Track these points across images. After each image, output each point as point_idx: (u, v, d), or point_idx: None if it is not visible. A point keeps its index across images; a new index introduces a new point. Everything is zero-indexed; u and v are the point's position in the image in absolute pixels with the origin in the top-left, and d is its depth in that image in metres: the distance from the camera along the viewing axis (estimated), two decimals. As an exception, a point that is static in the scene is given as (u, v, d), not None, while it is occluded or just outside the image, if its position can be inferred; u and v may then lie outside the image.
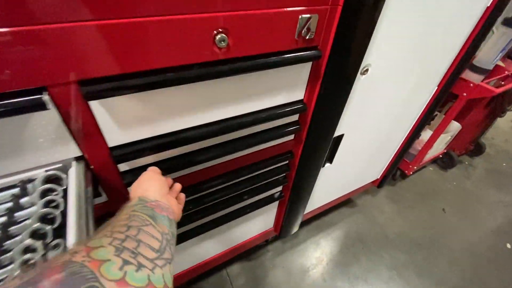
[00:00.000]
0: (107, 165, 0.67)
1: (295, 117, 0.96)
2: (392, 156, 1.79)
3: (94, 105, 0.57)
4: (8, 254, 0.48)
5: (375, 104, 1.17)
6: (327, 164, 1.34)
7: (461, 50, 1.23)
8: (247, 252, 1.70)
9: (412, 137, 1.66)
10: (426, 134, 2.10)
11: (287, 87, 0.84)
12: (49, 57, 0.46)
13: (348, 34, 0.77)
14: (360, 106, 1.11)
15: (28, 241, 0.49)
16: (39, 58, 0.46)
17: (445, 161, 2.58)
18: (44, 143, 0.57)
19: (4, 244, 0.50)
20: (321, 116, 0.96)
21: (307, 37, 0.71)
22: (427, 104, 1.46)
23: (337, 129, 1.12)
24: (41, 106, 0.49)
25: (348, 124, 1.16)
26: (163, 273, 0.36)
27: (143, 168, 0.70)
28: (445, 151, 2.48)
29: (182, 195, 0.65)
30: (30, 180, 0.59)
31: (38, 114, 0.52)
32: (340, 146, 1.27)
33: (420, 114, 1.52)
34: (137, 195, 0.51)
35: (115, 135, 0.64)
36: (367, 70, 0.97)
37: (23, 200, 0.56)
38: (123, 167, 0.71)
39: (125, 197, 0.57)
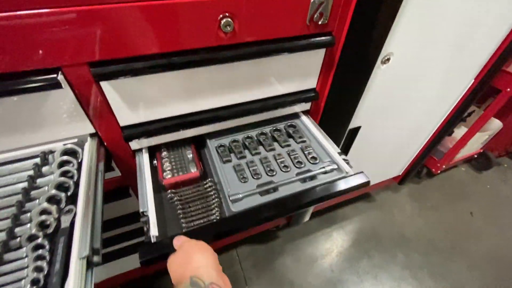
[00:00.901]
0: (118, 142, 0.72)
1: (306, 106, 0.93)
2: (417, 153, 1.69)
3: (105, 86, 0.60)
4: (27, 214, 0.55)
5: (398, 96, 1.10)
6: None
7: (506, 38, 1.09)
8: (257, 236, 1.75)
9: (441, 133, 1.54)
10: (459, 131, 1.93)
11: (298, 74, 0.81)
12: (65, 39, 0.50)
13: (366, 19, 0.72)
14: (381, 97, 1.05)
15: (45, 205, 0.56)
16: (58, 40, 0.49)
17: (481, 162, 2.37)
18: (62, 119, 0.62)
19: (25, 205, 0.57)
20: (335, 106, 0.92)
21: (320, 23, 0.68)
22: (461, 98, 1.34)
23: (353, 120, 1.08)
24: (56, 85, 0.53)
25: (366, 116, 1.11)
26: None
27: (155, 147, 0.75)
28: (482, 151, 2.27)
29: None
30: (50, 152, 0.65)
31: (54, 93, 0.56)
32: (356, 139, 1.22)
33: (452, 108, 1.39)
34: (187, 273, 0.40)
35: (126, 115, 0.68)
36: (388, 59, 0.90)
37: (44, 169, 0.63)
38: (134, 145, 0.76)
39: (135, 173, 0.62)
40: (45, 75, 0.53)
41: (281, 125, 0.91)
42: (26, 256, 0.50)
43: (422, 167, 2.21)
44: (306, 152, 0.81)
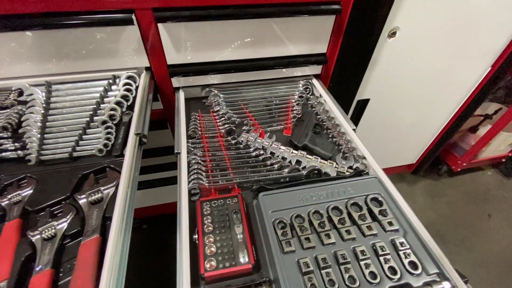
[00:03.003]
0: (164, 77, 0.95)
1: (317, 70, 1.09)
2: (432, 140, 1.73)
3: (161, 28, 0.83)
4: (102, 110, 0.80)
5: (405, 73, 1.20)
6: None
7: (522, 26, 1.13)
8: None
9: (457, 121, 1.58)
10: (484, 129, 1.92)
11: (311, 38, 0.98)
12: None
13: (371, -8, 0.86)
14: (388, 72, 1.16)
15: (113, 105, 0.80)
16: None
17: (509, 167, 2.28)
18: (129, 52, 0.87)
19: (100, 106, 0.82)
20: (343, 72, 1.07)
21: (329, -9, 0.84)
22: (477, 87, 1.38)
23: (362, 92, 1.21)
24: (130, 22, 0.77)
25: (375, 89, 1.22)
26: None
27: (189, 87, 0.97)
28: (511, 154, 2.20)
29: None
30: (118, 77, 0.90)
31: (127, 29, 0.80)
32: (366, 113, 1.34)
33: (467, 98, 1.44)
34: None
35: (172, 55, 0.90)
36: (394, 33, 1.02)
37: (113, 87, 0.88)
38: (175, 82, 0.99)
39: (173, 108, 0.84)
40: (123, 14, 0.77)
41: (359, 197, 0.69)
42: (101, 132, 0.75)
43: (442, 163, 2.21)
44: (401, 252, 0.59)
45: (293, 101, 1.02)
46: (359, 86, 1.15)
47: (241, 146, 0.85)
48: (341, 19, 0.93)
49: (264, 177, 0.75)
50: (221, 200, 0.68)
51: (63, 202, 0.59)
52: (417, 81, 1.26)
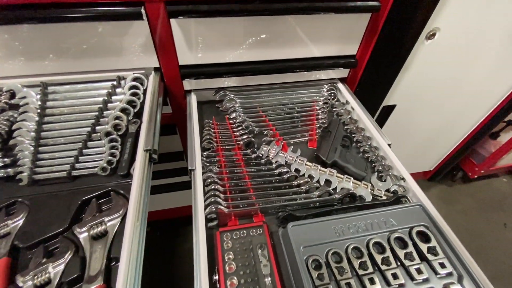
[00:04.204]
0: (175, 79, 0.84)
1: (344, 73, 0.98)
2: (453, 148, 1.63)
3: (174, 24, 0.72)
4: (105, 119, 0.70)
5: (439, 78, 1.09)
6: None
7: None
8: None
9: (482, 130, 1.48)
10: (505, 136, 1.81)
11: (341, 38, 0.87)
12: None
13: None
14: (421, 76, 1.06)
15: (119, 113, 0.70)
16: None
17: (527, 174, 2.19)
18: (136, 50, 0.75)
19: (103, 113, 0.71)
20: (372, 77, 0.96)
21: (369, -14, 0.72)
22: (509, 95, 1.27)
23: (389, 97, 1.10)
24: (138, 16, 0.66)
25: (403, 95, 1.12)
26: None
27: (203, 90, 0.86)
28: (530, 162, 2.10)
29: None
30: (123, 78, 0.79)
31: (135, 24, 0.69)
32: (390, 119, 1.24)
33: (498, 104, 1.33)
34: None
35: (185, 55, 0.79)
36: (433, 34, 0.91)
37: (118, 90, 0.77)
38: (186, 85, 0.88)
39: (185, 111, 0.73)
40: (131, 7, 0.65)
41: (403, 230, 0.59)
42: (104, 145, 0.64)
43: (457, 169, 2.11)
44: None
45: (318, 108, 0.92)
46: (388, 91, 1.05)
47: (262, 161, 0.75)
48: (378, 17, 0.81)
49: (291, 201, 0.66)
50: (244, 231, 0.58)
51: (60, 236, 0.49)
52: (448, 87, 1.16)
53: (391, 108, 1.18)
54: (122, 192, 0.56)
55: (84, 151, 0.64)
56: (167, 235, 1.65)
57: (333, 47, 0.89)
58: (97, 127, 0.68)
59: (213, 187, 0.65)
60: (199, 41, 0.77)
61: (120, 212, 0.52)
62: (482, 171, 1.99)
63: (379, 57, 0.91)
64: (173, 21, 0.71)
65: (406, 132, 1.39)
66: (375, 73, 0.96)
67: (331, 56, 0.91)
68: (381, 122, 1.24)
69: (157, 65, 0.81)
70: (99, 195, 0.56)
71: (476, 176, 2.05)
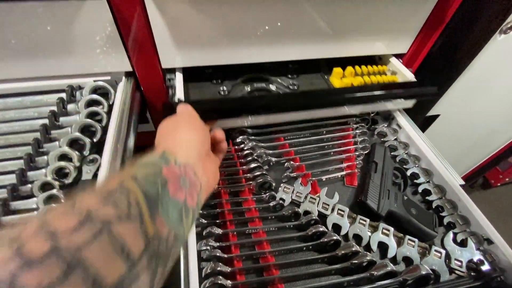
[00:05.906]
0: (158, 88, 0.59)
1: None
2: (484, 159, 1.43)
3: (151, 7, 0.46)
4: (44, 157, 0.44)
5: (502, 82, 0.86)
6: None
7: None
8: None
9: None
10: (539, 142, 1.62)
11: (390, 31, 0.62)
12: None
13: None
14: (480, 79, 0.82)
15: (66, 149, 0.44)
16: None
17: (551, 181, 2.02)
18: (95, 46, 0.49)
19: (43, 146, 0.46)
20: (423, 81, 0.72)
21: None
22: None
23: (435, 107, 0.87)
24: (91, -8, 0.40)
25: (451, 103, 0.88)
26: None
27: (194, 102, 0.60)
28: (557, 168, 1.93)
29: (224, 146, 0.45)
30: (79, 88, 0.54)
31: (88, 4, 0.43)
32: (428, 130, 1.01)
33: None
34: (164, 145, 0.32)
35: (170, 53, 0.54)
36: (511, 27, 0.67)
37: (69, 107, 0.52)
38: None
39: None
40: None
41: None
42: (37, 208, 0.40)
43: (478, 176, 1.93)
44: None
45: (354, 126, 0.68)
46: (438, 99, 0.81)
47: (285, 213, 0.52)
48: (445, 6, 0.57)
49: (335, 279, 0.43)
50: None
51: None
52: (503, 95, 0.93)
53: (433, 118, 0.95)
54: None
55: (6, 218, 0.39)
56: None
57: (375, 43, 0.64)
58: (30, 173, 0.43)
59: (211, 268, 0.41)
60: (190, 32, 0.52)
61: None
62: (507, 179, 1.81)
63: (438, 58, 0.67)
64: (150, 3, 0.45)
65: (442, 142, 1.16)
66: (428, 78, 0.72)
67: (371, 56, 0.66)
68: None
69: (129, 68, 0.55)
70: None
71: (498, 184, 1.87)
